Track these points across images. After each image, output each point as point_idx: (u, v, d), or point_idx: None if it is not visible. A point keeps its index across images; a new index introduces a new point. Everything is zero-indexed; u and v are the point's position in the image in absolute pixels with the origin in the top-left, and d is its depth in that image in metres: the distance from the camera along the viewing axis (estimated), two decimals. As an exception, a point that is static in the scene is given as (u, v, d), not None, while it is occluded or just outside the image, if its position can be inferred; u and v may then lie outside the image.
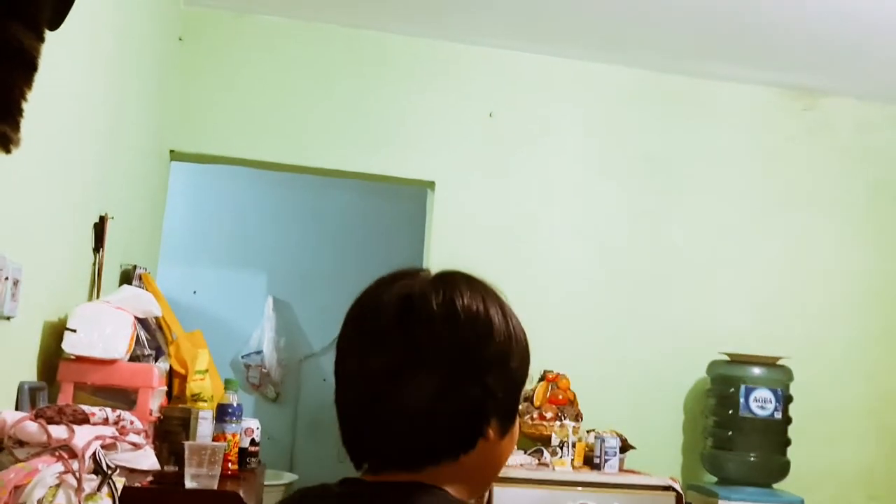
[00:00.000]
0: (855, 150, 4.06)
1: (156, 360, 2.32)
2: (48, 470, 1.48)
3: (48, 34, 1.45)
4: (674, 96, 3.95)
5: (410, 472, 0.91)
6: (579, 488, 3.09)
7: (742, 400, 3.46)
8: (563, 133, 3.84)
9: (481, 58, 3.80)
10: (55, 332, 2.01)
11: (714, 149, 3.95)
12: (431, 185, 3.74)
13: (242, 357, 4.95)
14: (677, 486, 3.17)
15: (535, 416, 3.38)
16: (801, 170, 4.00)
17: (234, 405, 2.34)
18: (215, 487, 1.96)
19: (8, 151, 1.36)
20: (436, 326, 0.90)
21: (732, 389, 3.49)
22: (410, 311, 0.91)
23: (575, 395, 3.48)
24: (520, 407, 3.53)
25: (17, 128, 1.36)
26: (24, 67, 1.35)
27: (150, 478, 1.79)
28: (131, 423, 1.77)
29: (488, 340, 0.92)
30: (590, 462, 3.29)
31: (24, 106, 1.37)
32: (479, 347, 0.91)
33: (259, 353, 4.93)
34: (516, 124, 3.80)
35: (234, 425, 2.32)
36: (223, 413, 2.31)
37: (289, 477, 4.58)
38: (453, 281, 0.94)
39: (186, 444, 2.02)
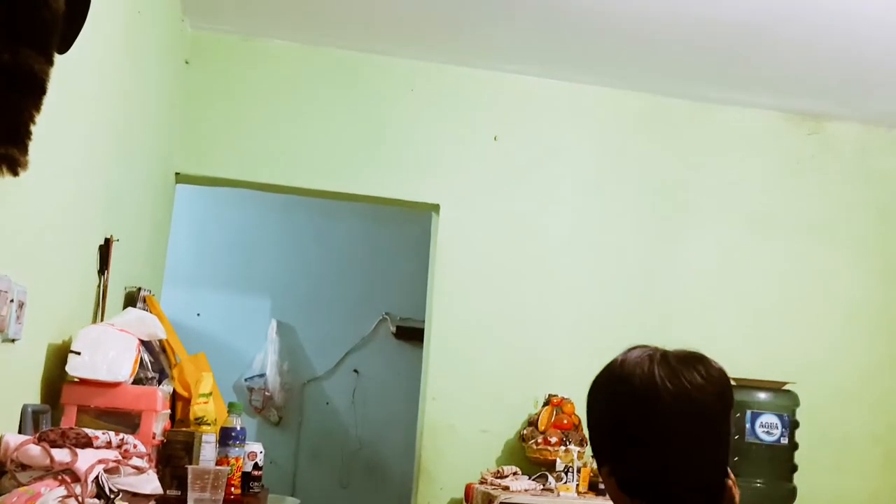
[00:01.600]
0: (859, 174, 4.06)
1: (159, 383, 2.31)
2: (51, 494, 1.47)
3: (57, 58, 1.46)
4: (679, 121, 3.95)
5: None
6: (584, 514, 3.06)
7: (748, 425, 3.44)
8: (568, 157, 3.84)
9: (486, 81, 3.81)
10: (59, 355, 2.00)
11: (719, 173, 3.95)
12: (436, 208, 3.74)
13: (245, 380, 4.94)
14: (683, 513, 3.13)
15: (540, 440, 3.36)
16: (805, 194, 4.00)
17: (238, 429, 2.33)
18: (218, 512, 1.94)
19: (15, 174, 1.37)
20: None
21: (738, 414, 3.46)
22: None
23: (580, 420, 3.46)
24: (524, 431, 3.47)
25: (25, 150, 1.37)
26: (33, 91, 1.36)
27: (152, 502, 1.78)
28: (134, 446, 1.77)
29: None
30: (595, 488, 3.26)
31: (33, 129, 1.38)
32: None
33: (262, 376, 4.92)
34: (521, 148, 3.80)
35: (237, 449, 2.31)
36: (226, 437, 2.30)
37: (291, 501, 4.54)
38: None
39: (189, 468, 2.02)
